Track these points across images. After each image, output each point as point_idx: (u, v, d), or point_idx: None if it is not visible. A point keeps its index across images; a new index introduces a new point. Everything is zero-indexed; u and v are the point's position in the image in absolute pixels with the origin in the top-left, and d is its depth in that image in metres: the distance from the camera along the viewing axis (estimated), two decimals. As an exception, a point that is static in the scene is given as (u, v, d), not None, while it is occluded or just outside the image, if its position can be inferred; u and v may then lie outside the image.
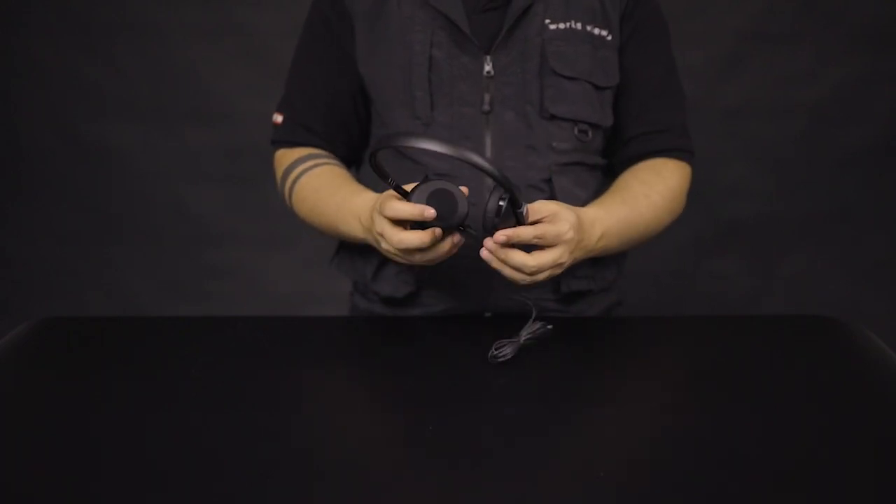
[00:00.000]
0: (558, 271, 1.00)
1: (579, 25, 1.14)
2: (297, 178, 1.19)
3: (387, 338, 1.12)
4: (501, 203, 0.92)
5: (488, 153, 1.14)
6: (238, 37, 2.06)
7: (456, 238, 0.98)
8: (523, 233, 0.95)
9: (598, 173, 1.22)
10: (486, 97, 1.13)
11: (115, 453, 0.80)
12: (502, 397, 0.91)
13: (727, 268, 2.18)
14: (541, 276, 0.98)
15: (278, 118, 1.24)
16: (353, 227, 1.10)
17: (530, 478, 0.76)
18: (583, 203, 1.17)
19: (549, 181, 1.15)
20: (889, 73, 2.04)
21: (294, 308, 2.19)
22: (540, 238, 0.96)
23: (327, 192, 1.15)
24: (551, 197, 1.16)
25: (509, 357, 0.98)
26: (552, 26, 1.13)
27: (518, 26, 1.12)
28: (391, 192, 0.98)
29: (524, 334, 1.01)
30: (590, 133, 1.17)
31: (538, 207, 0.98)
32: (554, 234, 0.96)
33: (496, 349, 0.98)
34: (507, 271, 0.97)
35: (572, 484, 0.75)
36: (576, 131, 1.15)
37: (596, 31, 1.14)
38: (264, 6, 2.03)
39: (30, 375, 0.99)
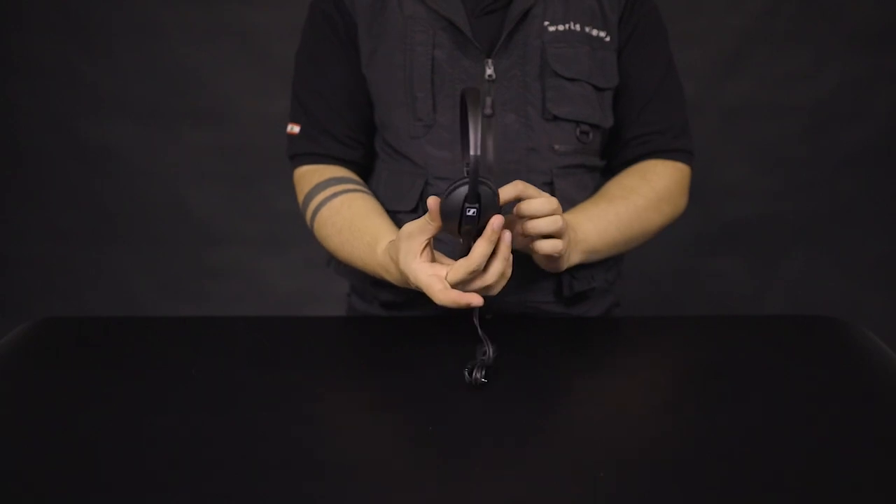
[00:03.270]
0: (560, 247, 0.97)
1: (578, 27, 1.14)
2: (317, 209, 1.15)
3: (386, 338, 1.12)
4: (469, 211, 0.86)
5: (490, 156, 1.13)
6: (238, 37, 2.06)
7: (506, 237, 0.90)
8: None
9: (597, 175, 1.22)
10: (488, 100, 1.13)
11: (114, 453, 0.80)
12: (502, 397, 0.91)
13: (727, 268, 2.18)
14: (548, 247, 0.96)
15: (294, 128, 1.20)
16: (386, 277, 1.05)
17: (530, 478, 0.76)
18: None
19: (550, 184, 1.15)
20: (889, 72, 2.04)
21: (293, 308, 2.19)
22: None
23: (349, 235, 1.10)
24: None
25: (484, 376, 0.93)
26: (551, 28, 1.13)
27: (518, 29, 1.12)
28: (413, 263, 0.92)
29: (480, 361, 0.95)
30: (591, 134, 1.17)
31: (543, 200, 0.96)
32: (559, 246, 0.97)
33: (469, 373, 0.93)
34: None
35: (572, 484, 0.75)
36: (577, 132, 1.16)
37: (594, 32, 1.15)
38: (264, 6, 2.04)
39: (30, 375, 0.99)
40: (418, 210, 1.16)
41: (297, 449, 0.81)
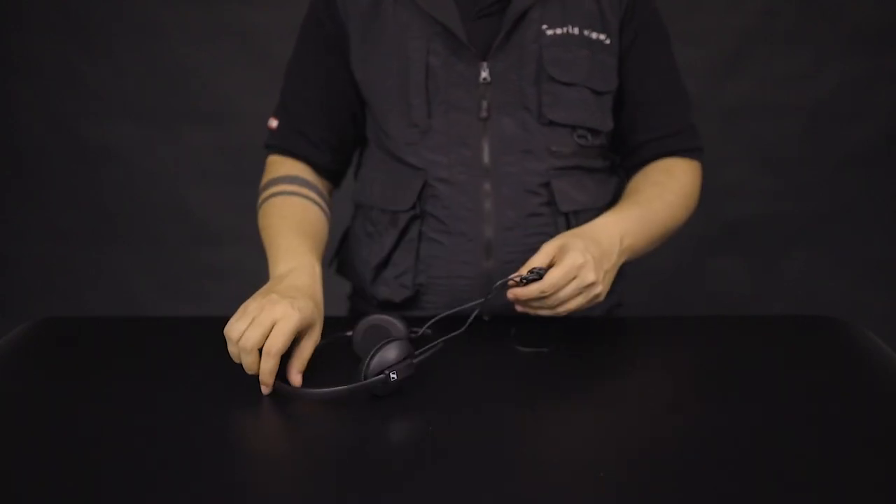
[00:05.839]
0: (594, 290, 1.00)
1: (577, 30, 1.13)
2: (266, 199, 1.17)
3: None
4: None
5: (486, 158, 1.13)
6: (238, 37, 2.06)
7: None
8: (529, 291, 0.98)
9: (598, 176, 1.21)
10: (484, 104, 1.13)
11: (114, 453, 0.80)
12: (502, 397, 0.91)
13: (728, 268, 2.18)
14: (570, 300, 0.99)
15: (273, 123, 1.23)
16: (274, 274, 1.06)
17: (530, 478, 0.76)
18: (582, 206, 1.17)
19: (547, 185, 1.15)
20: (889, 72, 2.04)
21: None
22: (552, 287, 0.97)
23: (273, 231, 1.10)
24: (550, 201, 1.15)
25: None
26: (549, 32, 1.13)
27: (515, 32, 1.12)
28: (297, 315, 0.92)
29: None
30: (589, 137, 1.17)
31: (542, 256, 0.99)
32: (562, 273, 0.97)
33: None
34: (535, 310, 1.00)
35: (572, 484, 0.75)
36: (575, 136, 1.15)
37: (594, 35, 1.14)
38: (264, 6, 2.04)
39: (30, 375, 0.99)
40: (416, 208, 1.16)
41: (298, 448, 0.81)
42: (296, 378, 0.92)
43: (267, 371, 0.90)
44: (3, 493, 0.73)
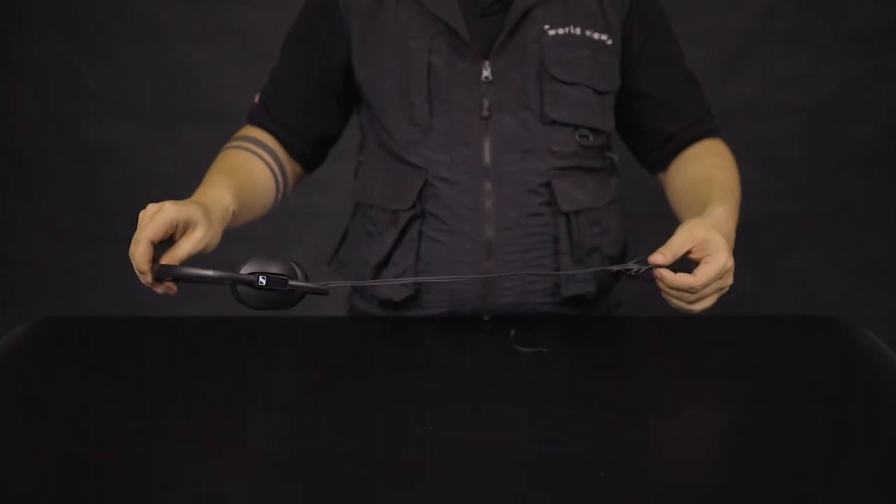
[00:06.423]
0: (725, 291, 1.01)
1: (578, 30, 1.14)
2: (220, 152, 1.20)
3: (386, 338, 1.12)
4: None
5: (487, 158, 1.13)
6: (238, 37, 2.06)
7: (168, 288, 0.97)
8: (679, 280, 0.97)
9: (598, 176, 1.21)
10: (486, 102, 1.13)
11: (114, 453, 0.80)
12: (501, 397, 0.91)
13: (727, 268, 2.18)
14: (706, 299, 1.00)
15: (256, 98, 1.26)
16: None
17: (530, 478, 0.75)
18: (582, 206, 1.17)
19: (548, 185, 1.15)
20: (889, 72, 2.04)
21: (294, 308, 2.18)
22: (702, 287, 0.98)
23: (208, 174, 1.14)
24: (551, 201, 1.15)
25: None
26: (551, 31, 1.13)
27: (517, 31, 1.12)
28: (191, 213, 0.96)
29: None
30: (590, 137, 1.17)
31: (683, 242, 0.98)
32: (715, 274, 0.98)
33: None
34: (670, 298, 1.00)
35: (572, 484, 0.75)
36: (577, 136, 1.16)
37: (595, 35, 1.14)
38: (264, 6, 2.04)
39: (30, 375, 0.99)
40: (416, 208, 1.16)
41: (297, 449, 0.81)
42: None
43: (136, 257, 0.92)
44: (3, 493, 0.73)
